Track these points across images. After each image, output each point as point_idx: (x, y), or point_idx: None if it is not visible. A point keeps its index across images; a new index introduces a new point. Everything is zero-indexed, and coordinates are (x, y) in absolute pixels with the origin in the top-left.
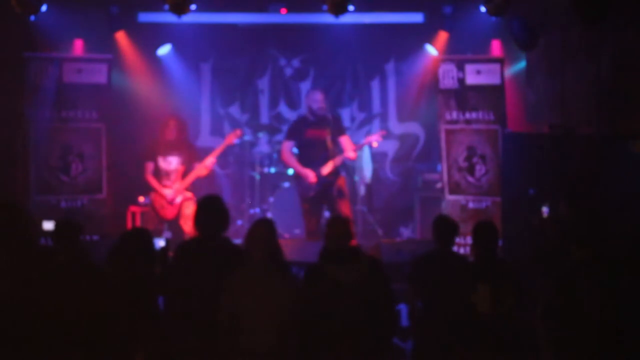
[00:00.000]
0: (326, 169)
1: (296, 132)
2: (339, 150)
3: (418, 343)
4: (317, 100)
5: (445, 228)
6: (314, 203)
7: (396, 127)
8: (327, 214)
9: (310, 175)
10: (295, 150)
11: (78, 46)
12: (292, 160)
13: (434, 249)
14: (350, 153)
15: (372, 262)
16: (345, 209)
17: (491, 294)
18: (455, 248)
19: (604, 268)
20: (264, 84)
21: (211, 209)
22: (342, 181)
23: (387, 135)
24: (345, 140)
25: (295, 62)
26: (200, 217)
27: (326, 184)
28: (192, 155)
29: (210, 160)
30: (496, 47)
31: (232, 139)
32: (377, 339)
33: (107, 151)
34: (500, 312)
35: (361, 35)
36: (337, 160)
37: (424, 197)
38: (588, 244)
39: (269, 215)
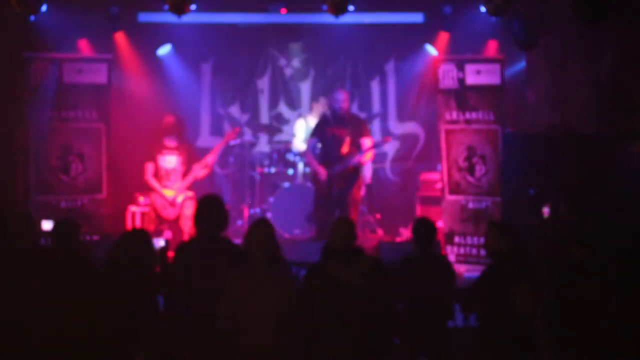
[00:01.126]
0: (337, 168)
1: (319, 130)
2: (360, 151)
3: (400, 344)
4: (338, 100)
5: (424, 231)
6: (325, 202)
7: (396, 127)
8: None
9: (322, 173)
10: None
11: (83, 45)
12: (310, 158)
13: (415, 251)
14: (363, 157)
15: (373, 263)
16: (352, 213)
17: (527, 294)
18: (455, 248)
19: (603, 268)
20: (264, 84)
21: (210, 209)
22: (358, 185)
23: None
24: (366, 142)
25: (295, 62)
26: (199, 216)
27: (338, 183)
28: (191, 154)
29: (210, 159)
30: (496, 47)
31: (231, 136)
32: (377, 339)
33: (107, 151)
34: (533, 311)
35: (361, 35)
36: (347, 161)
37: (424, 197)
38: (588, 244)
39: (269, 215)
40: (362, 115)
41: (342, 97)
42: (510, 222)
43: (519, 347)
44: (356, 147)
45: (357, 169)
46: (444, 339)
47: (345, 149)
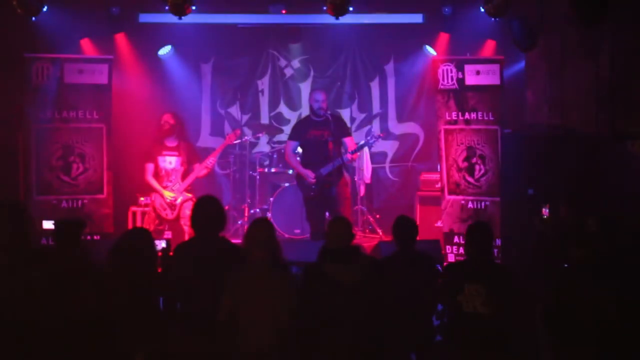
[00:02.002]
0: (325, 169)
1: (299, 132)
2: (344, 151)
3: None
4: (317, 100)
5: (404, 229)
6: (315, 203)
7: (396, 127)
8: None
9: (309, 175)
10: (299, 150)
11: (84, 46)
12: (294, 161)
13: (396, 249)
14: (351, 156)
15: (371, 262)
16: (345, 210)
17: (476, 294)
18: (454, 248)
19: (604, 268)
20: (264, 84)
21: (208, 209)
22: (344, 182)
23: (387, 136)
24: (349, 142)
25: (295, 63)
26: (197, 217)
27: (326, 184)
28: (191, 155)
29: (210, 161)
30: (495, 48)
31: (232, 139)
32: (375, 338)
33: (107, 151)
34: (487, 312)
35: (361, 36)
36: (336, 161)
37: (423, 197)
38: (588, 245)
39: (269, 215)
40: (362, 115)
41: (320, 97)
42: (504, 222)
43: (478, 346)
44: (339, 147)
45: (341, 167)
46: (429, 336)
47: (329, 149)
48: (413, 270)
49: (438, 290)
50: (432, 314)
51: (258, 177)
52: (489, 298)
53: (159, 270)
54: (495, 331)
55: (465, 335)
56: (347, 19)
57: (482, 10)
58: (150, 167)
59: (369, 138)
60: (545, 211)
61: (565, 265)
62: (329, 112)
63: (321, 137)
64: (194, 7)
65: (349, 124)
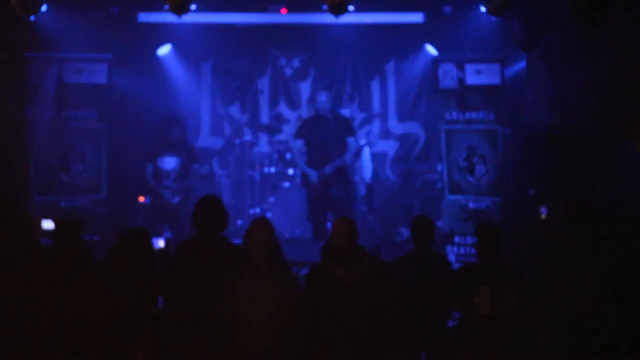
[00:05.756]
0: (328, 168)
1: (304, 131)
2: (347, 150)
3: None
4: (320, 101)
5: (422, 228)
6: (318, 203)
7: (396, 127)
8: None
9: (312, 174)
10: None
11: (83, 45)
12: (298, 159)
13: (413, 249)
14: (348, 156)
15: (374, 262)
16: (347, 210)
17: (492, 296)
18: (455, 248)
19: (603, 269)
20: (264, 84)
21: (210, 209)
22: (346, 182)
23: (387, 136)
24: (353, 142)
25: (295, 62)
26: (199, 216)
27: (328, 184)
28: (190, 156)
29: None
30: (496, 47)
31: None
32: (378, 339)
33: (107, 151)
34: (501, 314)
35: (361, 35)
36: (337, 161)
37: (423, 197)
38: (575, 235)
39: (269, 215)
40: (362, 115)
41: (324, 98)
42: (505, 222)
43: (493, 348)
44: (343, 147)
45: (345, 168)
46: (444, 337)
47: (332, 149)
48: (429, 269)
49: (452, 292)
50: (448, 314)
51: (258, 177)
52: (505, 299)
53: (159, 269)
54: (511, 332)
55: (481, 338)
56: (347, 19)
57: (483, 9)
58: (149, 167)
59: (369, 137)
60: (544, 211)
61: (565, 266)
62: (334, 112)
63: (324, 136)
64: (193, 7)
65: None
